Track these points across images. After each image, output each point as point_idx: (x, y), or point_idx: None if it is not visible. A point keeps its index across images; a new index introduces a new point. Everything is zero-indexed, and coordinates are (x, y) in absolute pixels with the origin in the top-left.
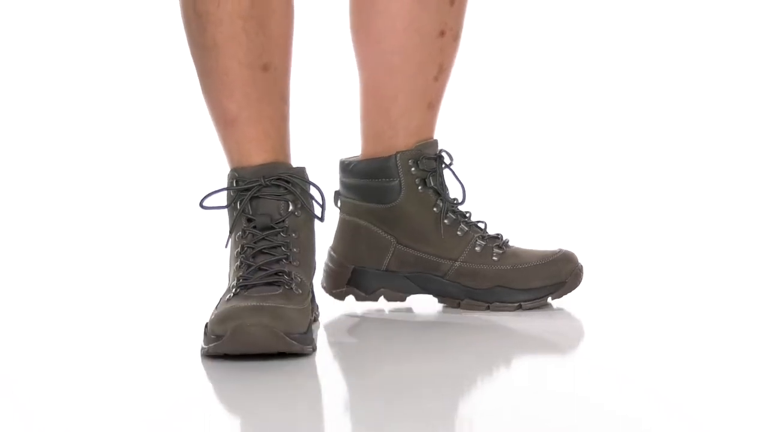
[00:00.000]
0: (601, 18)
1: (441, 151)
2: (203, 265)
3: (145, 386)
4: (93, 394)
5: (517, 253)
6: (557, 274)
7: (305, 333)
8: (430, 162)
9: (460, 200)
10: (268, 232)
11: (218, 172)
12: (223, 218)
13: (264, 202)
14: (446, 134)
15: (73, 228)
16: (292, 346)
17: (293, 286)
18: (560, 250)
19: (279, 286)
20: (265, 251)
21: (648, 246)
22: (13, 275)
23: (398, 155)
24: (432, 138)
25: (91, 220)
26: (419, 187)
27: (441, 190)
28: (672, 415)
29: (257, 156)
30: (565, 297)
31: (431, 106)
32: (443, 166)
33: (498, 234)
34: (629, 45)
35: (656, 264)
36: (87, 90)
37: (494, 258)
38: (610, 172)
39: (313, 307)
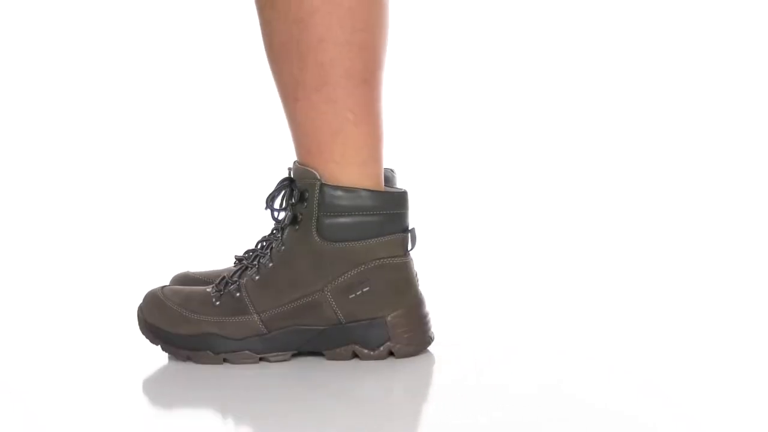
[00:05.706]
0: (599, 18)
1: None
2: (203, 265)
3: (144, 386)
4: (90, 394)
5: None
6: None
7: None
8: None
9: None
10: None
11: (220, 172)
12: (238, 215)
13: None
14: (442, 136)
15: (73, 227)
16: None
17: None
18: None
19: None
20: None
21: (646, 247)
22: (13, 274)
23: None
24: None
25: (91, 219)
26: None
27: None
28: (672, 415)
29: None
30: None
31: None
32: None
33: None
34: (619, 45)
35: (655, 264)
36: (89, 89)
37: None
38: (607, 173)
39: None
